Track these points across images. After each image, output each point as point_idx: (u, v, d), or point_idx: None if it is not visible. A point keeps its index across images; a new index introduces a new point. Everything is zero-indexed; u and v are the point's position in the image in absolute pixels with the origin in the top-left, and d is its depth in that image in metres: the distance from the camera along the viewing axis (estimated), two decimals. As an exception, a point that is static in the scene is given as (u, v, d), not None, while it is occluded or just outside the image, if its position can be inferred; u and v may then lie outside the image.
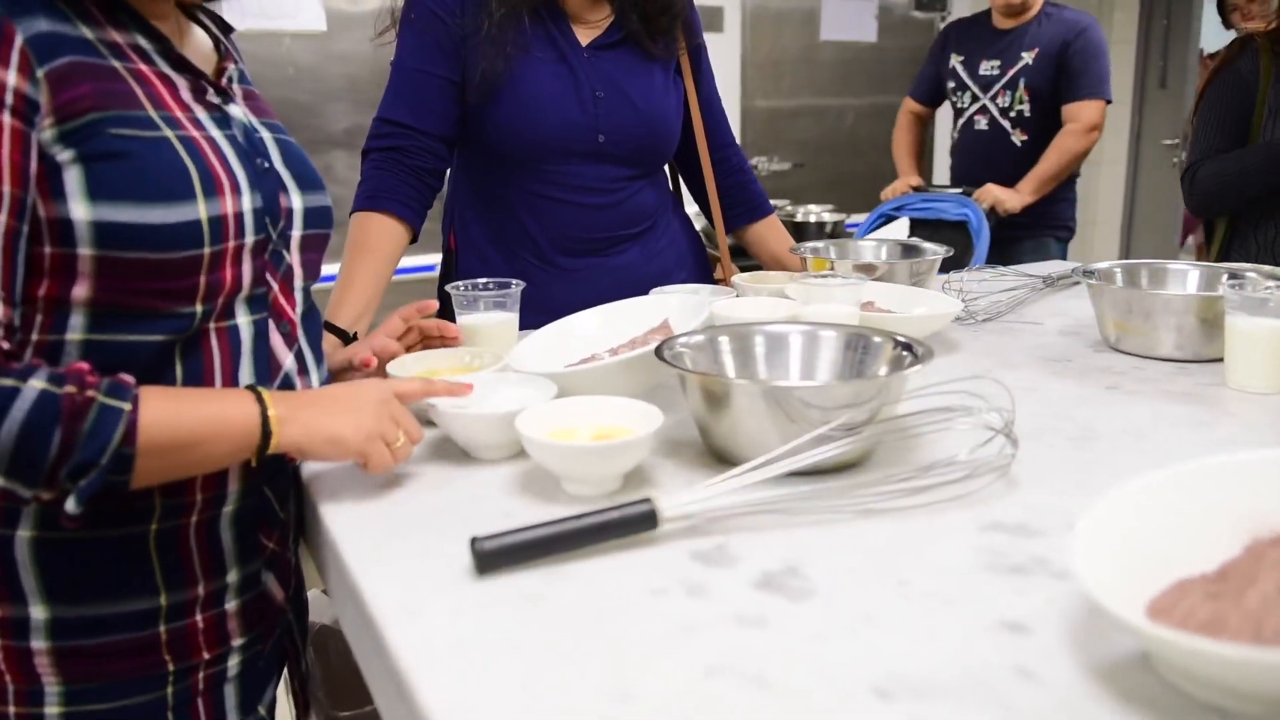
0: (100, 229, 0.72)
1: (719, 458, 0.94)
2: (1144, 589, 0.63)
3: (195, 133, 0.79)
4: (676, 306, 1.16)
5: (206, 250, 0.77)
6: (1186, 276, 1.38)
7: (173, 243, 0.75)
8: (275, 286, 0.87)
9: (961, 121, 2.83)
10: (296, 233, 0.89)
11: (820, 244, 1.69)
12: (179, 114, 0.79)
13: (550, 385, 0.97)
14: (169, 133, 0.77)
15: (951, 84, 2.83)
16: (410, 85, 1.40)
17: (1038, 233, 2.75)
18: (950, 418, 0.89)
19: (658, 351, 0.96)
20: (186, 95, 0.81)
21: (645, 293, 1.51)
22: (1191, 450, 0.96)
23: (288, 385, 0.88)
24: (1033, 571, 0.72)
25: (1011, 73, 2.68)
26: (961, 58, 2.80)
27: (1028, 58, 2.65)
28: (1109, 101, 2.64)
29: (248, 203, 0.81)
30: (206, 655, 0.84)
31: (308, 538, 0.92)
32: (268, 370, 0.86)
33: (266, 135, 0.89)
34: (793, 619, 0.66)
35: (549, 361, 1.13)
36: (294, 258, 0.90)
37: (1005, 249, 2.61)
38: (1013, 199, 2.60)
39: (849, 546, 0.76)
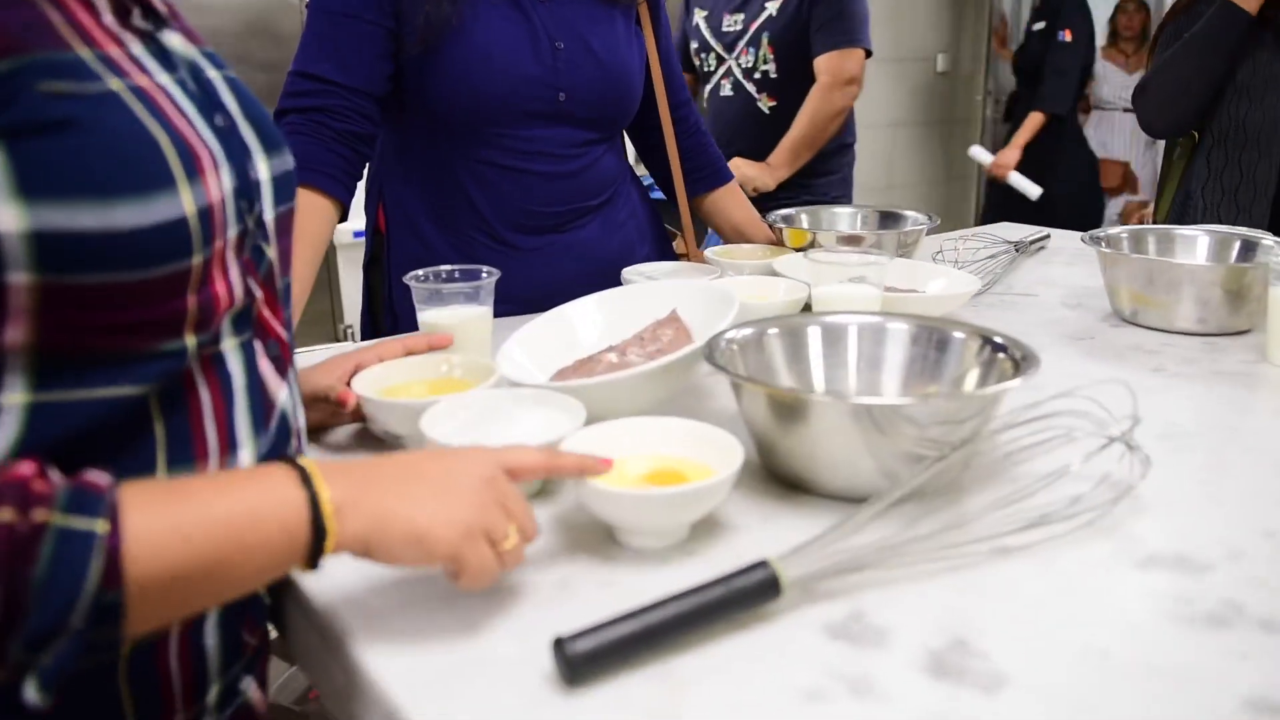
0: (42, 243, 0.48)
1: (784, 480, 0.78)
2: None
3: (142, 79, 0.55)
4: (689, 296, 0.99)
5: (197, 259, 0.54)
6: (1195, 243, 1.30)
7: (154, 254, 0.51)
8: (259, 294, 0.64)
9: (708, 88, 2.34)
10: (269, 213, 0.64)
11: (791, 211, 1.54)
12: (113, 51, 0.54)
13: (576, 405, 0.79)
14: (115, 83, 0.53)
15: (695, 44, 2.34)
16: (336, 32, 1.16)
17: None
18: (1066, 426, 0.76)
19: (708, 356, 0.79)
20: (110, 19, 0.56)
21: (609, 272, 1.33)
22: (1292, 444, 0.87)
23: (284, 429, 0.66)
24: (1233, 623, 0.60)
25: (754, 27, 2.20)
26: (705, 13, 2.31)
27: (771, 8, 2.17)
28: (869, 52, 2.18)
29: (227, 182, 0.57)
30: None
31: (289, 629, 0.71)
32: (263, 413, 0.63)
33: (214, 74, 0.64)
34: (1001, 722, 0.51)
35: (542, 365, 0.95)
36: (273, 249, 0.66)
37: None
38: (763, 176, 2.17)
39: (1009, 602, 0.62)
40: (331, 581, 0.65)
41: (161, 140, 0.53)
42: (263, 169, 0.64)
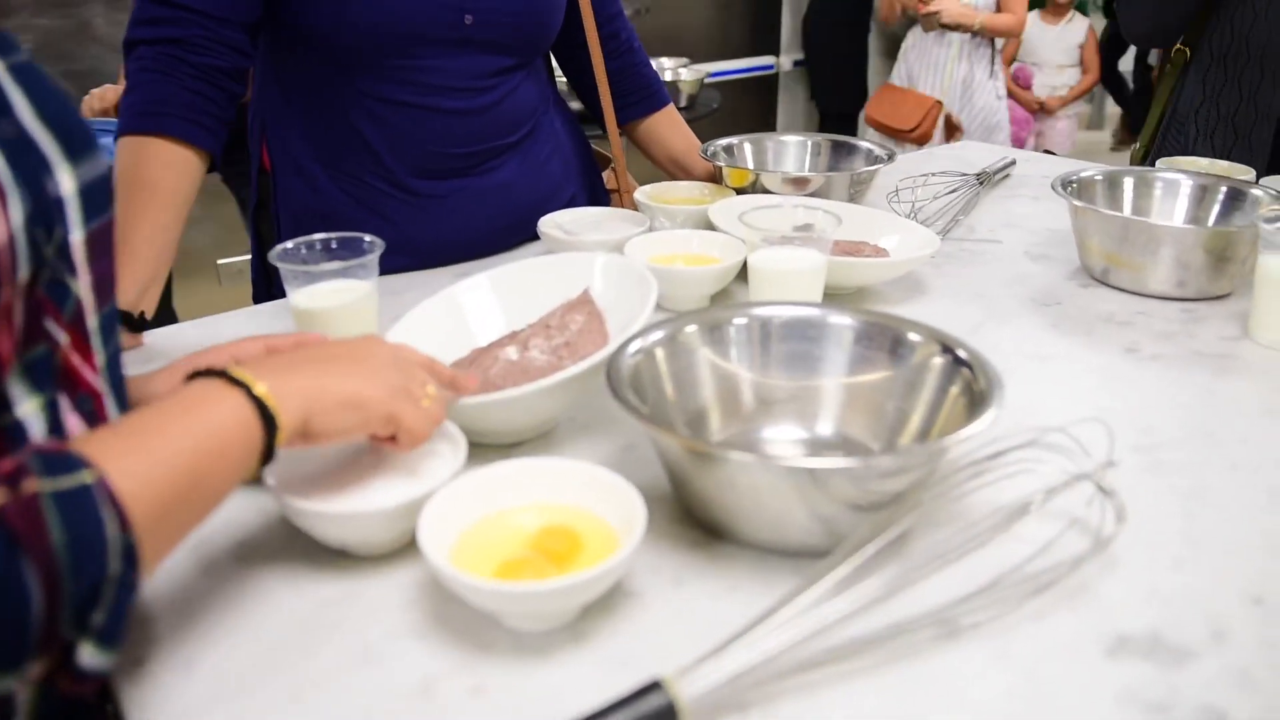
0: None
1: (701, 524, 0.67)
2: None
3: None
4: (603, 269, 0.85)
5: None
6: (1177, 190, 1.18)
7: None
8: (63, 339, 0.51)
9: None
10: (77, 235, 0.51)
11: (733, 140, 1.38)
12: None
13: (457, 437, 0.66)
14: None
15: None
16: (187, -55, 0.97)
17: None
18: (1031, 462, 0.65)
19: (608, 380, 0.67)
20: None
21: (530, 219, 1.18)
22: (1280, 458, 0.77)
23: None
24: (1218, 742, 0.50)
25: None
26: None
27: None
28: None
29: (16, 214, 0.44)
30: None
31: None
32: None
33: None
34: None
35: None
36: (81, 281, 0.52)
37: None
38: None
39: (959, 712, 0.52)
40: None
41: None
42: (66, 182, 0.50)
